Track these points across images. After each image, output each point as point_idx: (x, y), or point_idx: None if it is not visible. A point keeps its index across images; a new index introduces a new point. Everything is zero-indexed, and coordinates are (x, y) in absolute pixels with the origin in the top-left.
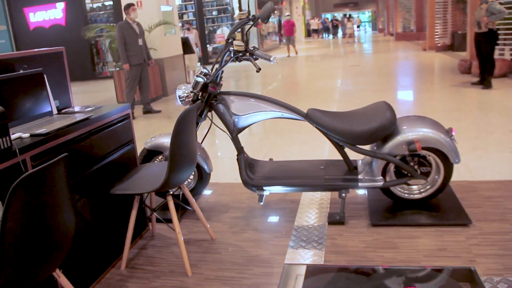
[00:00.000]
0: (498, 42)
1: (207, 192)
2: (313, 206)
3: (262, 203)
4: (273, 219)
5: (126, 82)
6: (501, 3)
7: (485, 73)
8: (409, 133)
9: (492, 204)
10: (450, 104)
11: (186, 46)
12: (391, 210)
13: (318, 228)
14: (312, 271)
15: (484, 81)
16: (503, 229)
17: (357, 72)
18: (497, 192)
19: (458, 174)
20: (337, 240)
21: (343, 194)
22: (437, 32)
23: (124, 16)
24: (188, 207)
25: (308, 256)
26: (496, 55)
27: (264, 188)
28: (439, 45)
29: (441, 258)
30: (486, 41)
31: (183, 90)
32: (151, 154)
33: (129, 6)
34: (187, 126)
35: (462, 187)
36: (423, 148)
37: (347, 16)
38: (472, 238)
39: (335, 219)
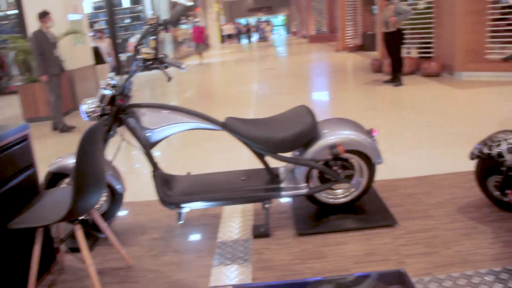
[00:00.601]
0: (405, 41)
1: (122, 213)
2: (236, 220)
3: (182, 222)
4: (195, 237)
5: (50, 95)
6: (406, 5)
7: (395, 71)
8: (331, 137)
9: (414, 201)
10: (365, 103)
11: (98, 56)
12: (317, 217)
13: (242, 243)
14: None
15: (395, 79)
16: (426, 226)
17: (273, 76)
18: (417, 188)
19: (379, 173)
20: (263, 254)
21: (267, 205)
22: (348, 33)
23: (38, 25)
24: (100, 234)
25: (234, 275)
26: (404, 54)
27: (183, 205)
28: (351, 46)
29: (371, 263)
30: (394, 40)
31: (89, 105)
32: (57, 177)
33: (45, 14)
34: (93, 144)
35: (384, 186)
36: (346, 151)
37: (266, 20)
38: (399, 238)
39: (260, 232)
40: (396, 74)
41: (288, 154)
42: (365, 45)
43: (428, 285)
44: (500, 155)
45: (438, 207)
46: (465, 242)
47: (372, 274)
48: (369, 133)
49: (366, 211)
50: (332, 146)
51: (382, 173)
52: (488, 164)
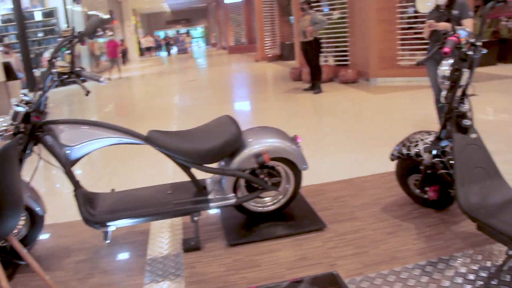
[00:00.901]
0: (322, 49)
1: (43, 236)
2: (165, 235)
3: (108, 241)
4: (123, 256)
5: None
6: (322, 15)
7: (314, 79)
8: (256, 146)
9: (340, 204)
10: (286, 111)
11: (10, 72)
12: (247, 226)
13: (173, 258)
14: None
15: (314, 87)
16: (353, 227)
17: (195, 87)
18: (342, 191)
19: (305, 179)
20: (195, 268)
21: (195, 218)
22: (267, 43)
23: None
24: (20, 261)
25: None
26: (322, 62)
27: (108, 223)
28: (270, 55)
29: (304, 268)
30: (312, 49)
31: (1, 123)
32: None
33: None
34: (7, 165)
35: (311, 191)
36: (271, 159)
37: (186, 32)
38: (329, 241)
39: (190, 245)
40: (315, 81)
41: (214, 165)
42: (284, 55)
43: (360, 284)
44: (418, 154)
45: (363, 208)
46: (392, 240)
47: (305, 278)
48: (294, 140)
49: (295, 217)
50: (258, 155)
51: (308, 179)
52: (407, 164)
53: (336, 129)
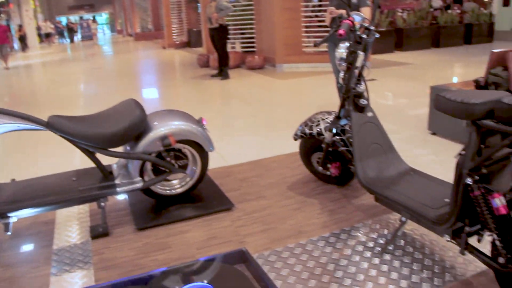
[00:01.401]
0: (229, 36)
1: None
2: (71, 223)
3: (10, 233)
4: (27, 247)
5: None
6: (227, 1)
7: (222, 65)
8: (161, 128)
9: (248, 184)
10: (194, 97)
11: None
12: (156, 210)
13: (81, 246)
14: None
15: (222, 73)
16: (261, 206)
17: (101, 75)
18: (250, 172)
19: (213, 162)
20: (105, 254)
21: (102, 203)
22: (174, 30)
23: None
24: None
25: (76, 280)
26: (229, 49)
27: (9, 214)
28: (177, 42)
29: (214, 247)
30: (218, 36)
31: None
32: None
33: None
34: None
35: (219, 173)
36: (177, 141)
37: (92, 18)
38: (237, 220)
39: (98, 232)
40: (222, 68)
41: (119, 149)
42: (192, 42)
43: (268, 258)
44: (319, 133)
45: (270, 188)
46: (297, 215)
47: (216, 256)
48: (199, 122)
49: (204, 198)
50: (163, 137)
51: (216, 162)
52: (310, 143)
53: (243, 113)
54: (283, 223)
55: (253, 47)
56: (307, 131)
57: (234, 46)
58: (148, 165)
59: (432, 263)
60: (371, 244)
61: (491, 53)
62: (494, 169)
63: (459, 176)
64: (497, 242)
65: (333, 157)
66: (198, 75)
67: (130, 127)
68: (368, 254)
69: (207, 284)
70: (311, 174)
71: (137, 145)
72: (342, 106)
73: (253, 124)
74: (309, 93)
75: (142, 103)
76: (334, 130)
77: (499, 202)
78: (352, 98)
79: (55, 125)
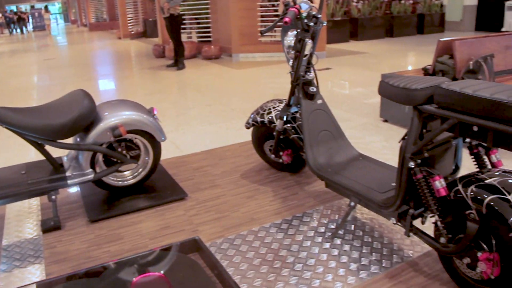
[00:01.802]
0: (184, 26)
1: None
2: (22, 218)
3: None
4: None
5: None
6: None
7: (177, 55)
8: (111, 119)
9: (202, 174)
10: (150, 87)
11: None
12: (109, 201)
13: (32, 240)
14: None
15: (178, 63)
16: (214, 194)
17: (54, 66)
18: (204, 162)
19: (168, 152)
20: (56, 247)
21: (53, 197)
22: (129, 20)
23: None
24: None
25: (26, 276)
26: (185, 39)
27: None
28: (133, 32)
29: (167, 236)
30: (171, 26)
31: None
32: None
33: None
34: None
35: (173, 163)
36: (128, 132)
37: (44, 7)
38: (191, 209)
39: (50, 226)
40: (178, 58)
41: (69, 141)
42: (148, 32)
43: (221, 246)
44: (270, 121)
45: (224, 176)
46: (250, 203)
47: (168, 246)
48: (150, 112)
49: (157, 188)
50: (114, 128)
51: (171, 152)
52: (262, 131)
53: (199, 103)
54: (236, 211)
55: (209, 37)
56: (259, 119)
57: (191, 36)
58: (100, 157)
59: (381, 245)
60: (322, 229)
61: (438, 42)
62: (436, 153)
63: (402, 160)
64: (439, 223)
65: (285, 144)
66: (154, 65)
67: (78, 118)
68: (319, 239)
69: (160, 274)
70: (264, 162)
71: (87, 136)
72: (292, 93)
73: (208, 114)
74: (265, 83)
75: (96, 94)
76: (284, 118)
77: (439, 184)
78: (301, 86)
79: (1, 117)
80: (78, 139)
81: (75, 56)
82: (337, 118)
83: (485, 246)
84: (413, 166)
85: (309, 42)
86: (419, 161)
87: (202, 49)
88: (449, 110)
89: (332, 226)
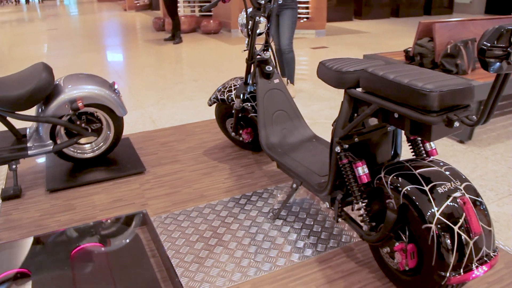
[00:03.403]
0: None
1: None
2: None
3: None
4: None
5: None
6: None
7: (175, 29)
8: (71, 92)
9: (167, 149)
10: (142, 61)
11: None
12: (71, 173)
13: None
14: None
15: (175, 37)
16: (173, 169)
17: (54, 36)
18: (171, 137)
19: (143, 126)
20: (12, 215)
21: (14, 166)
22: None
23: None
24: None
25: None
26: (186, 13)
27: None
28: (138, 4)
29: (117, 209)
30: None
31: None
32: None
33: None
34: None
35: (141, 137)
36: (88, 105)
37: None
38: (146, 183)
39: (9, 194)
40: (175, 31)
41: (29, 113)
42: (153, 4)
43: (164, 221)
44: (230, 99)
45: (187, 152)
46: (205, 180)
47: (116, 218)
48: (111, 86)
49: (119, 161)
50: (72, 101)
51: (146, 126)
52: (223, 109)
53: (186, 78)
54: (188, 187)
55: (209, 11)
56: (219, 96)
57: (194, 9)
58: (61, 129)
59: (321, 229)
60: (266, 209)
61: (419, 23)
62: (373, 139)
63: (331, 144)
64: (362, 210)
65: (245, 123)
66: (152, 38)
67: (35, 90)
68: (261, 219)
69: (99, 245)
70: (228, 140)
71: (47, 108)
72: (248, 72)
73: (192, 89)
74: None
75: (89, 65)
76: (241, 96)
77: (361, 170)
78: (257, 64)
79: None
80: (40, 111)
81: (77, 28)
82: (317, 97)
83: (403, 236)
84: (338, 151)
85: (262, 21)
86: (346, 146)
87: (202, 23)
88: (373, 95)
89: (277, 207)
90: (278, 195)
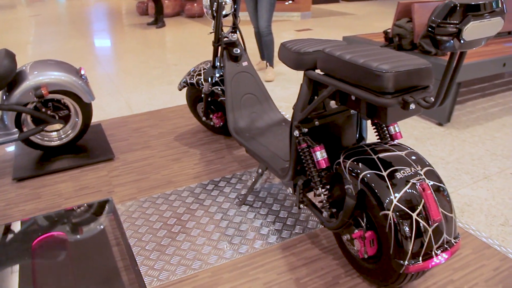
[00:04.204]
0: None
1: None
2: None
3: None
4: None
5: None
6: None
7: (158, 13)
8: (36, 79)
9: (139, 134)
10: (123, 46)
11: None
12: (40, 161)
13: None
14: None
15: (158, 21)
16: (143, 155)
17: (35, 23)
18: (145, 122)
19: (119, 112)
20: None
21: None
22: None
23: None
24: None
25: None
26: None
27: None
28: None
29: (83, 197)
30: None
31: None
32: None
33: None
34: None
35: (115, 124)
36: (53, 92)
37: None
38: (114, 170)
39: None
40: (158, 15)
41: None
42: None
43: (130, 208)
44: (200, 83)
45: (159, 138)
46: (174, 166)
47: (80, 206)
48: (78, 72)
49: (88, 148)
50: (36, 88)
51: (122, 112)
52: (194, 93)
53: (166, 62)
54: (156, 173)
55: None
56: (189, 80)
57: None
58: (28, 117)
59: (287, 215)
60: (233, 195)
61: (398, 4)
62: (336, 122)
63: (290, 128)
64: (322, 196)
65: (216, 107)
66: (135, 23)
67: None
68: (227, 205)
69: (61, 234)
70: (201, 125)
71: (11, 96)
72: (215, 55)
73: (171, 73)
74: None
75: (68, 52)
76: (209, 80)
77: (319, 155)
78: (224, 47)
79: None
80: (4, 99)
81: (61, 13)
82: (297, 80)
83: (362, 224)
84: (297, 135)
85: (228, 2)
86: (305, 130)
87: (185, 7)
88: (330, 76)
89: (244, 193)
90: (247, 180)
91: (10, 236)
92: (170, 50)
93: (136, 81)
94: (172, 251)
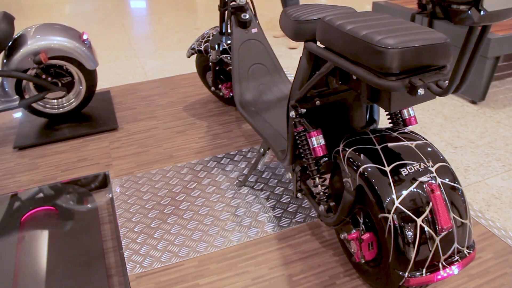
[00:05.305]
0: None
1: None
2: None
3: None
4: None
5: None
6: None
7: None
8: (35, 44)
9: (147, 103)
10: (148, 7)
11: None
12: (45, 128)
13: None
14: None
15: None
16: (147, 127)
17: None
18: (155, 90)
19: (134, 78)
20: None
21: None
22: None
23: None
24: None
25: None
26: None
27: None
28: None
29: (79, 169)
30: None
31: None
32: None
33: None
34: None
35: (124, 91)
36: (54, 58)
37: None
38: (116, 141)
39: None
40: None
41: None
42: None
43: (125, 184)
44: (206, 50)
45: (167, 107)
46: (177, 138)
47: (74, 179)
48: (80, 37)
49: (93, 117)
50: (35, 54)
51: (137, 78)
52: (202, 60)
53: (189, 26)
54: (158, 146)
55: None
56: (197, 47)
57: None
58: (30, 83)
59: (289, 200)
60: (235, 174)
61: None
62: (343, 103)
63: (287, 107)
64: (319, 188)
65: (225, 76)
66: None
67: None
68: (226, 185)
69: (51, 208)
70: (212, 94)
71: (10, 61)
72: (222, 20)
73: (192, 38)
74: (275, 5)
75: (91, 14)
76: (216, 47)
77: (315, 141)
78: (231, 11)
79: None
80: (3, 65)
81: None
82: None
83: (361, 224)
84: (293, 116)
85: None
86: (303, 110)
87: None
88: (329, 50)
89: (246, 173)
90: (252, 158)
91: (2, 208)
92: (194, 13)
93: (156, 45)
94: (160, 235)
